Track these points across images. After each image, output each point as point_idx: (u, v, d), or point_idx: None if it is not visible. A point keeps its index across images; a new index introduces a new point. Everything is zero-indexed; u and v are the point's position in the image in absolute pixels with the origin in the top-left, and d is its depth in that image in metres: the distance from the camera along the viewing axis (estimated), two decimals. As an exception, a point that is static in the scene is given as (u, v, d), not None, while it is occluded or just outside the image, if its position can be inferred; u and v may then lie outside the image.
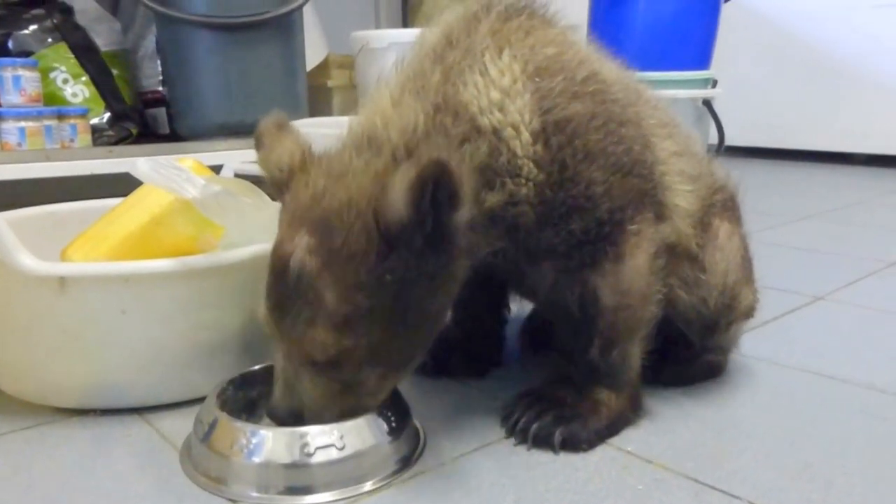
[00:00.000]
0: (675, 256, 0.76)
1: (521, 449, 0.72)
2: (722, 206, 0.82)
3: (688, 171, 0.77)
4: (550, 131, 0.66)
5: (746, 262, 0.84)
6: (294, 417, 0.64)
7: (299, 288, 0.59)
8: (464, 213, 0.59)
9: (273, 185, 0.67)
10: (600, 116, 0.67)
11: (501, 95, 0.65)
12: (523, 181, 0.66)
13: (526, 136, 0.65)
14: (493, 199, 0.65)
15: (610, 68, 0.74)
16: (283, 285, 0.60)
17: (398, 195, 0.56)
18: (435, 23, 0.72)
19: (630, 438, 0.74)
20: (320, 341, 0.60)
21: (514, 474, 0.68)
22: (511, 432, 0.74)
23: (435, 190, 0.56)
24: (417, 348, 0.67)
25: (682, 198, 0.76)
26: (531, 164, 0.66)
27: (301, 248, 0.59)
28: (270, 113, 0.69)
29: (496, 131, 0.65)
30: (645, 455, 0.71)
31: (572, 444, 0.71)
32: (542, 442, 0.72)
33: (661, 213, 0.73)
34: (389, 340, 0.62)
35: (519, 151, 0.65)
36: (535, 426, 0.72)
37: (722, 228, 0.81)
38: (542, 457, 0.71)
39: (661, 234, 0.73)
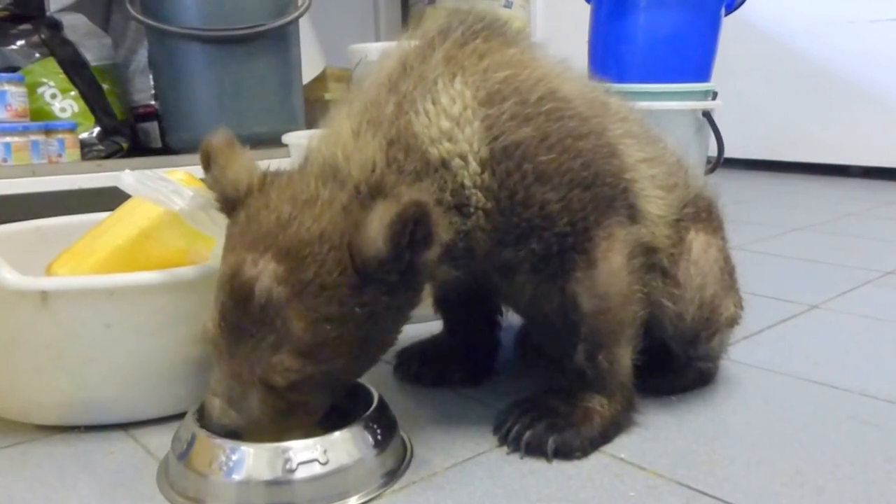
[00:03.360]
0: (651, 269, 0.76)
1: (514, 457, 0.71)
2: (695, 216, 0.81)
3: (660, 177, 0.77)
4: (498, 158, 0.66)
5: (726, 273, 0.83)
6: (232, 434, 0.64)
7: (265, 315, 0.59)
8: (434, 251, 0.60)
9: (224, 203, 0.66)
10: (554, 135, 0.67)
11: (451, 124, 0.65)
12: (472, 210, 0.66)
13: (474, 165, 0.65)
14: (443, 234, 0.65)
15: (572, 84, 0.74)
16: (244, 310, 0.60)
17: (377, 232, 0.58)
18: (394, 46, 0.72)
19: (623, 445, 0.74)
20: (284, 367, 0.60)
21: (506, 483, 0.67)
22: (504, 441, 0.73)
23: (414, 229, 0.57)
24: (365, 369, 0.69)
25: (654, 204, 0.75)
26: (479, 194, 0.66)
27: (267, 275, 0.59)
28: (216, 131, 0.67)
29: (445, 162, 0.65)
30: (637, 462, 0.71)
31: (565, 453, 0.71)
32: (534, 450, 0.71)
33: (633, 216, 0.73)
34: (347, 366, 0.64)
35: (467, 182, 0.66)
36: (527, 434, 0.71)
37: (696, 241, 0.80)
38: (535, 465, 0.70)
39: (634, 234, 0.72)
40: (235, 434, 0.63)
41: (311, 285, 0.59)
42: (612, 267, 0.70)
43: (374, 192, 0.62)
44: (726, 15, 2.28)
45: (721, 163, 2.13)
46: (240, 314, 0.60)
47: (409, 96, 0.66)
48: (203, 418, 0.67)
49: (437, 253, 0.61)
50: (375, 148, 0.64)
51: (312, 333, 0.60)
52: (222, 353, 0.62)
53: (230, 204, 0.66)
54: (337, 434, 0.65)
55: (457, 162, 0.65)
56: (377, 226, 0.58)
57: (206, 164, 0.67)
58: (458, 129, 0.65)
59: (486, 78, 0.67)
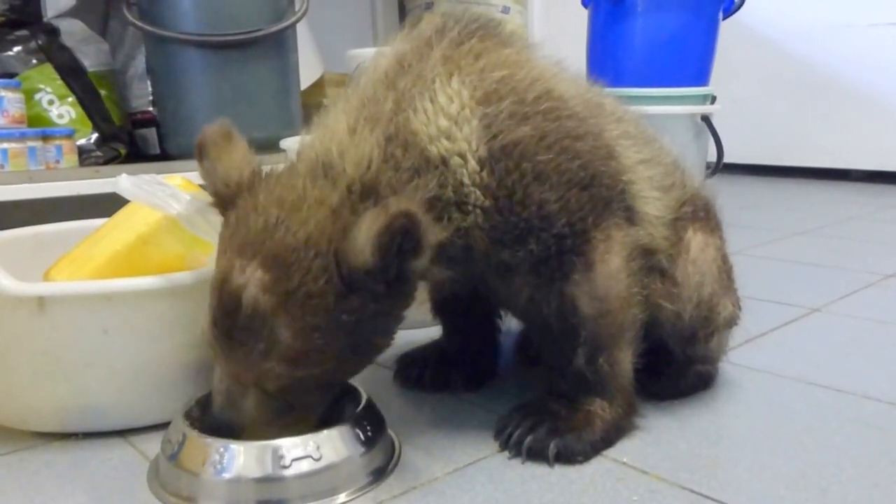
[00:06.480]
0: (649, 269, 0.76)
1: (516, 462, 0.71)
2: (692, 216, 0.81)
3: (657, 179, 0.77)
4: (496, 157, 0.65)
5: (724, 273, 0.83)
6: (234, 430, 0.65)
7: (253, 324, 0.59)
8: (424, 259, 0.60)
9: (217, 199, 0.66)
10: (552, 135, 0.67)
11: (449, 123, 0.65)
12: (470, 208, 0.66)
13: (472, 163, 0.65)
14: (440, 233, 0.65)
15: (568, 84, 0.73)
16: (234, 317, 0.60)
17: (365, 243, 0.57)
18: (389, 45, 0.72)
19: (625, 449, 0.73)
20: (275, 374, 0.61)
21: (507, 488, 0.66)
22: (505, 446, 0.73)
23: (402, 240, 0.57)
24: (363, 366, 0.69)
25: (652, 205, 0.75)
26: (478, 192, 0.66)
27: (254, 283, 0.59)
28: (215, 123, 0.68)
29: (444, 160, 0.65)
30: (640, 466, 0.70)
31: (567, 457, 0.70)
32: (536, 455, 0.70)
33: (631, 218, 0.73)
34: (339, 368, 0.64)
35: (466, 180, 0.65)
36: (529, 439, 0.71)
37: (694, 240, 0.79)
38: (537, 470, 0.70)
39: (632, 236, 0.72)
40: (234, 431, 0.64)
41: (296, 294, 0.59)
42: (610, 269, 0.70)
43: (367, 190, 0.61)
44: (724, 19, 2.28)
45: (721, 167, 2.12)
46: (230, 323, 0.60)
47: (408, 94, 0.66)
48: (192, 418, 0.68)
49: (427, 260, 0.61)
50: (373, 144, 0.63)
51: (300, 341, 0.60)
52: (219, 355, 0.63)
53: (222, 201, 0.65)
54: (325, 432, 0.66)
55: (455, 160, 0.65)
56: (365, 236, 0.57)
57: (199, 157, 0.66)
58: (457, 127, 0.65)
59: (482, 77, 0.67)
